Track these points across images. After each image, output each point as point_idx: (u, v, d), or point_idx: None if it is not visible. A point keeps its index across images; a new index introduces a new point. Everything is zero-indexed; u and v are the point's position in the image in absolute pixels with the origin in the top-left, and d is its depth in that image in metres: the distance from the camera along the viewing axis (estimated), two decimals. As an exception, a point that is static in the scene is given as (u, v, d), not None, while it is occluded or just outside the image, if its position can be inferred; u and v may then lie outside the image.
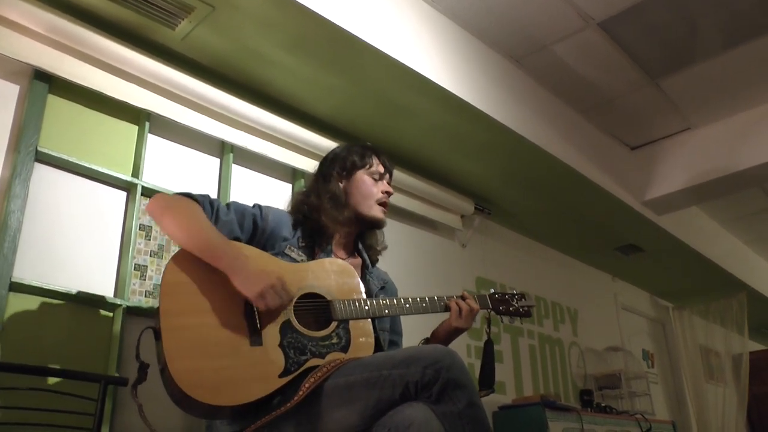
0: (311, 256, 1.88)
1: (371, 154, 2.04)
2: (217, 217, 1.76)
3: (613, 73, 3.71)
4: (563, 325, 4.84)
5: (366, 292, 1.93)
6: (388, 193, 2.02)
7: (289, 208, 2.00)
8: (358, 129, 3.30)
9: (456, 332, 1.97)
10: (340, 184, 1.98)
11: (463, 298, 1.98)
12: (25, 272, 2.06)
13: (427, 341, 2.02)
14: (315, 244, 1.91)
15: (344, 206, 1.94)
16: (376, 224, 2.01)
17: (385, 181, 2.04)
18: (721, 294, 6.18)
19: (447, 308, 1.95)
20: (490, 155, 3.63)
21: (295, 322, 1.68)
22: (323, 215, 1.92)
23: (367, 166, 2.01)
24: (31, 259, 2.10)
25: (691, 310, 6.41)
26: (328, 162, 2.06)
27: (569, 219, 4.51)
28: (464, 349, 3.72)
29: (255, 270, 1.61)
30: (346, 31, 2.57)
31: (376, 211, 1.98)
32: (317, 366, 1.63)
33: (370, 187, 1.99)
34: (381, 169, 2.03)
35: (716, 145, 4.26)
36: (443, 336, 1.98)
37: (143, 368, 1.61)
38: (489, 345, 2.08)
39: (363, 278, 2.00)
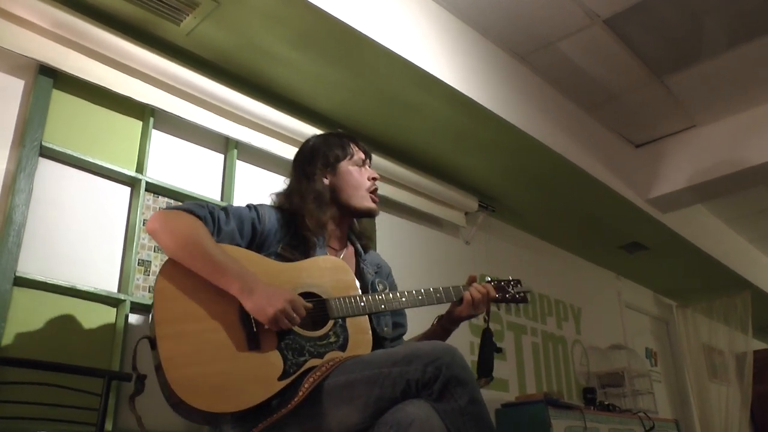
0: (305, 252, 1.85)
1: (349, 142, 2.02)
2: (219, 229, 1.73)
3: (618, 70, 3.70)
4: (566, 323, 4.84)
5: (362, 281, 1.93)
6: (376, 179, 2.01)
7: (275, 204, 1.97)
8: (362, 126, 3.29)
9: (465, 319, 2.00)
10: (325, 180, 1.95)
11: (469, 282, 2.00)
12: (29, 267, 2.07)
13: (440, 318, 2.03)
14: (308, 241, 1.87)
15: (329, 204, 1.92)
16: (370, 215, 2.01)
17: (367, 167, 2.03)
18: (725, 292, 6.17)
19: (441, 301, 1.95)
20: (494, 152, 3.62)
21: None
22: (307, 217, 1.86)
23: (349, 156, 1.99)
24: (36, 254, 2.11)
25: (695, 309, 6.40)
26: (307, 158, 2.01)
27: (573, 216, 4.50)
28: (467, 346, 3.72)
29: (265, 292, 1.59)
30: (351, 27, 2.57)
31: (369, 202, 1.98)
32: (316, 366, 1.63)
33: (358, 178, 1.97)
34: (362, 155, 2.02)
35: (721, 142, 4.25)
36: (452, 322, 2.00)
37: (140, 380, 1.60)
38: (487, 333, 2.08)
39: (357, 266, 2.00)
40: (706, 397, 6.00)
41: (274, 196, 2.00)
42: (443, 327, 2.02)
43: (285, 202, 1.94)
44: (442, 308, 2.03)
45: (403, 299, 1.87)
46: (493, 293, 1.99)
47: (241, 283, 1.59)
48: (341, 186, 1.96)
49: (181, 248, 1.62)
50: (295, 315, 1.60)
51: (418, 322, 2.16)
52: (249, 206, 1.88)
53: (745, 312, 6.20)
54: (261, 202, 1.93)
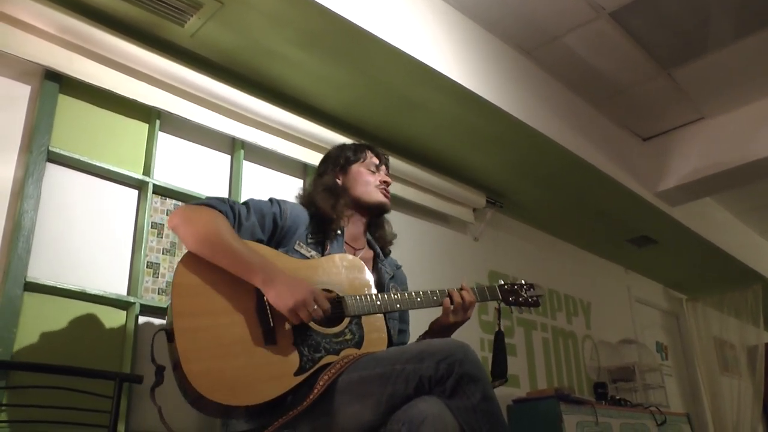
0: (322, 250, 1.87)
1: (364, 149, 2.09)
2: (240, 224, 1.76)
3: (624, 63, 3.68)
4: (576, 318, 4.83)
5: (378, 282, 1.94)
6: (387, 183, 2.05)
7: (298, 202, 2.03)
8: (369, 124, 3.29)
9: (452, 326, 1.94)
10: (337, 180, 2.02)
11: (460, 289, 1.95)
12: (39, 272, 2.07)
13: (425, 335, 2.01)
14: (326, 238, 1.90)
15: (339, 195, 1.97)
16: (381, 208, 2.03)
17: (382, 173, 2.07)
18: (736, 285, 6.14)
19: (451, 302, 1.92)
20: (501, 148, 3.61)
21: None
22: (320, 203, 1.93)
23: (361, 160, 2.05)
24: (45, 258, 2.11)
25: (705, 302, 6.37)
26: (322, 162, 2.14)
27: (581, 211, 4.49)
28: (477, 343, 3.71)
29: (288, 284, 1.61)
30: (356, 25, 2.56)
31: (378, 195, 2.01)
32: (332, 363, 1.63)
33: (367, 176, 2.03)
34: (376, 161, 2.07)
35: (730, 135, 4.22)
36: (439, 330, 1.96)
37: (160, 371, 1.60)
38: (500, 335, 2.08)
39: (375, 267, 2.01)
40: (717, 391, 5.97)
41: (300, 194, 2.06)
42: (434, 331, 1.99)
43: (303, 199, 2.01)
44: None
45: (418, 299, 1.88)
46: (470, 299, 1.92)
47: (264, 274, 1.61)
48: (351, 184, 2.01)
49: (202, 242, 1.64)
50: (316, 307, 1.61)
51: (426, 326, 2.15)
52: (271, 200, 1.90)
53: (756, 305, 6.17)
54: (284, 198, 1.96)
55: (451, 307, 1.91)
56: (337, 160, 2.06)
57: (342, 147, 2.13)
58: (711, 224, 5.16)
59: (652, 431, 4.14)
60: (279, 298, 1.59)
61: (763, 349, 6.24)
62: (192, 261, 1.63)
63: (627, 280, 5.69)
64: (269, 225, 1.82)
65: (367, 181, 2.01)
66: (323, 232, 1.91)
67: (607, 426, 3.73)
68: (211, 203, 1.74)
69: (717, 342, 6.28)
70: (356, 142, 2.18)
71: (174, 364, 1.54)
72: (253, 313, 1.62)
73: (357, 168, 2.03)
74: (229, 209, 1.75)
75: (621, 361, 4.99)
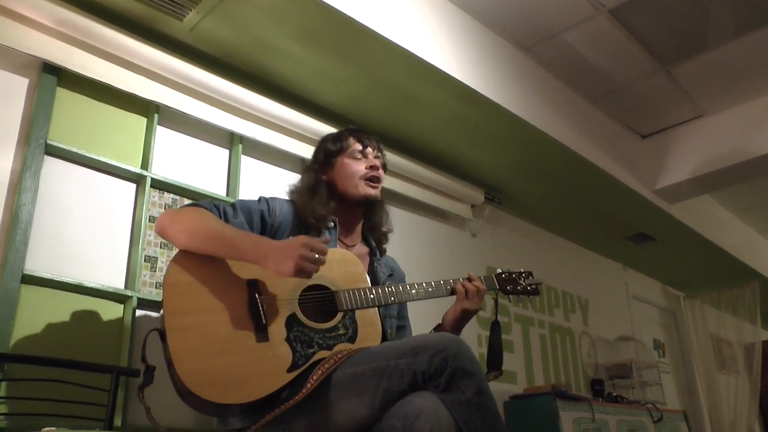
0: None
1: (346, 136, 2.02)
2: (227, 221, 1.75)
3: (623, 60, 3.68)
4: (574, 315, 4.83)
5: (373, 280, 1.93)
6: (374, 167, 1.98)
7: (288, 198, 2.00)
8: (368, 119, 3.29)
9: (465, 315, 1.93)
10: (323, 176, 1.98)
11: (469, 279, 1.95)
12: (36, 265, 2.07)
13: (438, 327, 1.99)
14: (319, 234, 1.89)
15: (325, 196, 1.93)
16: (368, 200, 1.97)
17: (370, 157, 2.00)
18: (734, 283, 6.15)
19: (453, 292, 1.93)
20: (499, 145, 3.61)
21: (300, 316, 1.68)
22: (301, 208, 1.90)
23: (344, 150, 1.99)
24: (43, 251, 2.11)
25: (703, 300, 6.38)
26: (310, 158, 2.09)
27: (580, 208, 4.49)
28: (475, 339, 3.72)
29: (279, 250, 1.58)
30: (356, 21, 2.56)
31: (364, 188, 1.95)
32: (325, 358, 1.63)
33: (352, 167, 1.96)
34: (358, 146, 2.00)
35: (729, 132, 4.22)
36: (453, 320, 1.95)
37: (149, 371, 1.60)
38: (496, 326, 2.06)
39: (371, 266, 2.00)
40: (714, 388, 5.99)
41: (287, 191, 2.02)
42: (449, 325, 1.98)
43: (291, 195, 1.99)
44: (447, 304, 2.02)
45: (413, 291, 1.86)
46: (483, 288, 1.94)
47: (255, 251, 1.60)
48: (337, 179, 1.97)
49: (191, 236, 1.63)
50: (316, 255, 1.59)
51: (425, 319, 2.15)
52: (260, 199, 1.89)
53: (753, 303, 6.18)
54: (274, 196, 1.94)
55: (466, 294, 1.90)
56: (318, 156, 2.02)
57: (324, 139, 2.07)
58: (709, 222, 5.17)
59: (649, 428, 4.15)
60: (278, 267, 1.56)
61: (760, 346, 6.25)
62: (183, 259, 1.63)
63: (625, 277, 5.70)
64: (257, 223, 1.81)
65: (352, 172, 1.95)
66: (310, 228, 1.88)
67: (603, 423, 3.74)
68: (195, 203, 1.75)
69: (714, 339, 6.29)
70: (338, 131, 2.11)
71: (167, 363, 1.53)
72: (245, 310, 1.61)
73: (341, 160, 1.98)
74: (215, 208, 1.75)
75: (618, 358, 5.00)
